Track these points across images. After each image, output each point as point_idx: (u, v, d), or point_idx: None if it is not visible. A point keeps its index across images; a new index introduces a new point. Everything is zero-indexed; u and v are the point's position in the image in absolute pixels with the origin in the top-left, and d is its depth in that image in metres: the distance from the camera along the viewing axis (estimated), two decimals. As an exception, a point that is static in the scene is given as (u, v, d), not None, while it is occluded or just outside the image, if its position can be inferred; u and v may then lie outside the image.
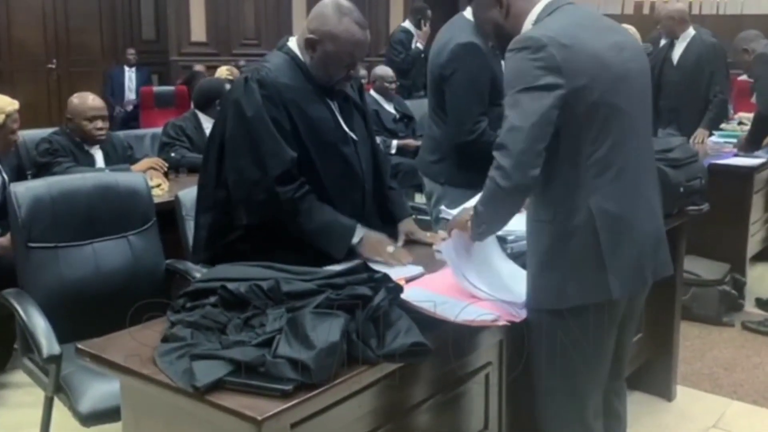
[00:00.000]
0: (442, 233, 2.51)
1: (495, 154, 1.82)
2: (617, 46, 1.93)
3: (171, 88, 8.43)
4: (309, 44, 2.31)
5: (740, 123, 5.61)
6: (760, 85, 4.70)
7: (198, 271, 2.54)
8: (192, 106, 4.86)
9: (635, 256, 1.93)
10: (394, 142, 5.84)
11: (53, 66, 9.33)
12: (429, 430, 1.88)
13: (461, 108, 3.06)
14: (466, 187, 2.71)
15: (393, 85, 6.18)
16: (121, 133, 4.81)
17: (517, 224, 2.02)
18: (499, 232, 2.12)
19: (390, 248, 2.34)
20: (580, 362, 1.95)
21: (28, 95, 7.47)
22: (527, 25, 1.96)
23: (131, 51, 9.10)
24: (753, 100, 5.02)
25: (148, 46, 9.81)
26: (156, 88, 8.61)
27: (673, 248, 2.26)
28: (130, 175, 3.13)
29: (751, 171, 4.51)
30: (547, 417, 2.05)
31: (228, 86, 4.23)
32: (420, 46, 7.45)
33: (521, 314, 1.96)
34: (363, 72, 6.78)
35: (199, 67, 8.48)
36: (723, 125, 5.44)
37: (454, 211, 2.25)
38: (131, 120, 8.48)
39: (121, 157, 4.10)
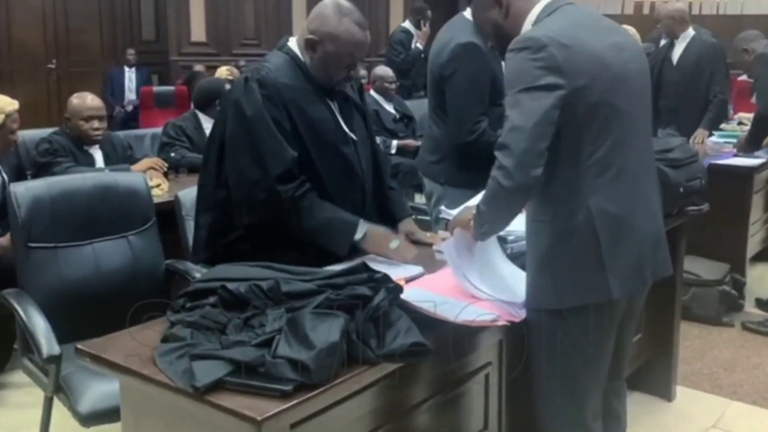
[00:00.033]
0: (442, 233, 2.51)
1: (497, 154, 1.82)
2: (617, 47, 1.93)
3: (171, 88, 8.43)
4: (309, 45, 2.31)
5: (740, 123, 5.61)
6: (760, 86, 4.70)
7: (198, 271, 2.54)
8: (192, 106, 4.86)
9: (635, 256, 1.93)
10: (394, 142, 5.84)
11: (53, 66, 9.33)
12: (429, 430, 1.88)
13: (461, 108, 3.06)
14: (466, 187, 2.71)
15: (393, 86, 6.18)
16: (121, 133, 4.81)
17: (517, 224, 2.02)
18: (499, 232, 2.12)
19: (394, 243, 2.34)
20: (579, 362, 1.95)
21: (27, 95, 7.47)
22: (527, 25, 1.96)
23: (131, 51, 9.10)
24: (753, 100, 5.03)
25: (148, 46, 9.81)
26: (156, 88, 8.61)
27: (672, 248, 2.26)
28: (129, 175, 3.13)
29: (750, 171, 4.51)
30: (546, 417, 2.05)
31: (228, 86, 4.23)
32: (420, 46, 7.45)
33: (521, 314, 1.96)
34: (363, 72, 6.78)
35: (199, 67, 8.48)
36: (723, 125, 5.44)
37: (454, 212, 2.25)
38: (131, 120, 8.48)
39: (120, 157, 4.10)
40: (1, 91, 3.66)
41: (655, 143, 2.32)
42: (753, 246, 4.72)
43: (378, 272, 1.75)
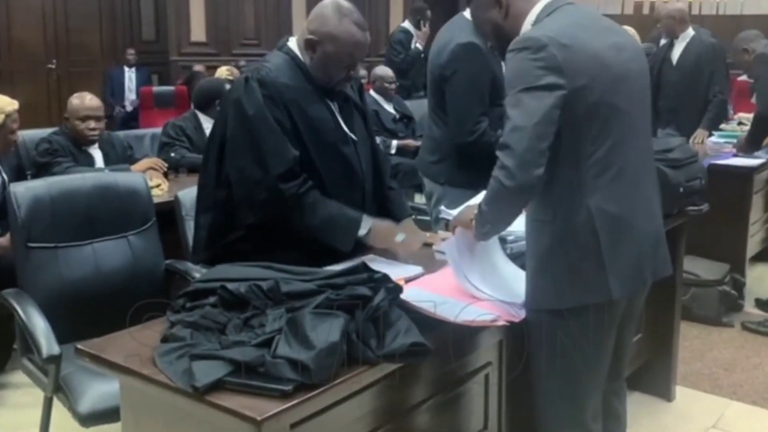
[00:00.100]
0: (442, 233, 2.51)
1: (498, 153, 1.82)
2: (617, 47, 1.93)
3: (171, 88, 8.43)
4: (309, 45, 2.31)
5: (740, 123, 5.61)
6: (760, 86, 4.70)
7: (198, 272, 2.54)
8: (192, 106, 4.85)
9: (635, 256, 1.93)
10: (394, 143, 5.84)
11: (53, 66, 9.33)
12: (429, 430, 1.88)
13: (462, 108, 3.06)
14: (466, 187, 2.71)
15: (393, 86, 6.18)
16: (121, 133, 4.81)
17: (517, 224, 2.02)
18: (499, 233, 2.12)
19: (400, 236, 2.35)
20: (579, 362, 1.95)
21: (27, 95, 7.48)
22: (526, 25, 1.96)
23: (131, 51, 9.10)
24: (753, 100, 5.02)
25: (147, 46, 9.81)
26: (156, 88, 8.61)
27: (672, 248, 2.25)
28: (129, 175, 3.13)
29: (750, 171, 4.51)
30: (546, 417, 2.05)
31: (228, 86, 4.23)
32: (419, 46, 7.45)
33: (521, 314, 1.96)
34: (363, 72, 6.78)
35: (198, 68, 8.47)
36: (723, 125, 5.44)
37: (454, 212, 2.25)
38: (131, 120, 8.48)
39: (120, 157, 4.10)
40: (1, 91, 3.66)
41: (655, 143, 2.32)
42: (753, 246, 4.72)
43: (378, 272, 1.75)
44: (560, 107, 1.80)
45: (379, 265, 2.01)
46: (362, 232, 2.31)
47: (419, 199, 5.33)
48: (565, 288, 1.90)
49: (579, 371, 1.97)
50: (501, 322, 1.90)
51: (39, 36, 9.22)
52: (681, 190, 2.93)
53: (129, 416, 1.75)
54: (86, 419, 2.29)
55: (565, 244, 1.89)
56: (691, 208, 3.06)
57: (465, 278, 2.01)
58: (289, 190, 2.25)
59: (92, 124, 3.94)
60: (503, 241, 2.22)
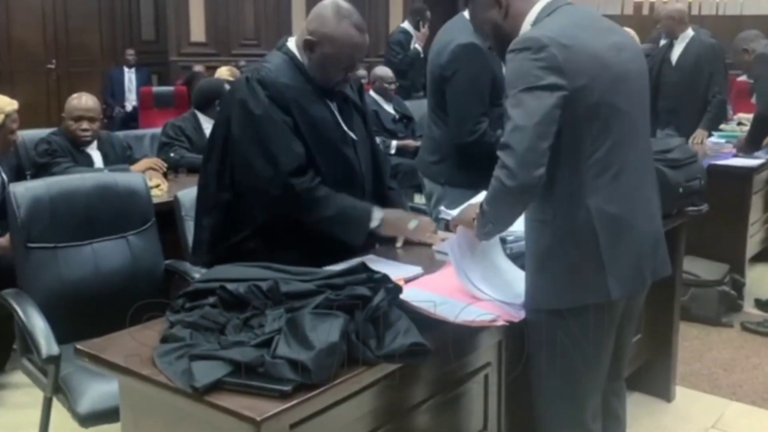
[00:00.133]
0: (441, 234, 2.51)
1: (499, 153, 1.82)
2: (616, 47, 1.93)
3: (170, 88, 8.42)
4: (307, 45, 2.31)
5: (739, 123, 5.60)
6: (760, 86, 4.70)
7: (197, 272, 2.54)
8: (191, 106, 4.85)
9: (634, 256, 1.93)
10: (394, 143, 5.84)
11: (52, 66, 9.33)
12: (428, 431, 1.88)
13: (462, 108, 3.06)
14: (466, 187, 2.71)
15: (392, 86, 6.18)
16: (121, 134, 4.80)
17: (517, 224, 2.02)
18: (498, 233, 2.12)
19: (413, 223, 2.37)
20: (579, 363, 1.95)
21: (27, 95, 7.47)
22: (526, 25, 1.96)
23: (130, 52, 9.10)
24: (753, 100, 5.02)
25: (147, 46, 9.81)
26: (155, 89, 8.60)
27: (672, 249, 2.26)
28: (129, 176, 3.13)
29: (750, 172, 4.51)
30: (546, 417, 2.05)
31: (227, 87, 4.23)
32: (418, 47, 7.45)
33: (521, 315, 1.96)
34: (363, 72, 6.78)
35: (198, 68, 8.47)
36: (722, 126, 5.44)
37: (454, 212, 2.25)
38: (131, 120, 8.48)
39: (120, 157, 4.09)
40: (1, 91, 3.66)
41: (655, 144, 2.33)
42: (752, 246, 4.72)
43: (377, 272, 1.75)
44: (561, 107, 1.80)
45: (378, 265, 2.01)
46: (374, 223, 2.33)
47: (419, 200, 5.32)
48: (565, 288, 1.90)
49: (579, 371, 1.97)
50: (500, 323, 1.90)
51: (39, 36, 9.22)
52: (680, 190, 2.93)
53: (128, 416, 1.75)
54: (86, 419, 2.29)
55: (565, 245, 1.89)
56: (690, 208, 3.06)
57: (466, 277, 2.01)
58: (301, 185, 2.26)
59: (85, 124, 3.92)
60: (503, 241, 2.22)
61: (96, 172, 3.63)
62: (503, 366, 2.09)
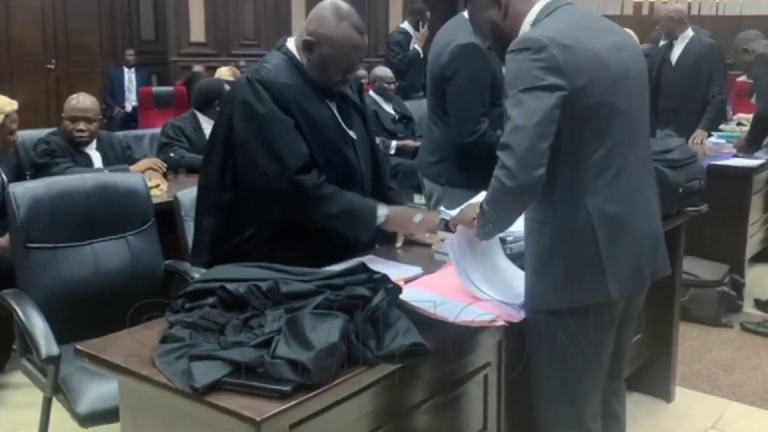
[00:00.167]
0: (441, 234, 2.51)
1: (499, 153, 1.82)
2: (616, 47, 1.93)
3: (170, 88, 8.43)
4: (306, 46, 2.31)
5: (739, 124, 5.60)
6: (760, 86, 4.70)
7: (197, 272, 2.54)
8: (191, 106, 4.85)
9: (634, 256, 1.93)
10: (393, 143, 5.84)
11: (52, 66, 9.34)
12: (428, 431, 1.88)
13: (462, 109, 3.06)
14: (467, 187, 2.71)
15: (392, 86, 6.18)
16: (120, 134, 4.80)
17: (517, 225, 2.02)
18: (498, 233, 2.12)
19: (418, 216, 2.40)
20: (579, 363, 1.95)
21: (27, 95, 7.47)
22: (525, 25, 1.96)
23: (130, 52, 9.10)
24: (753, 100, 5.03)
25: (147, 46, 9.82)
26: (155, 89, 8.61)
27: (672, 249, 2.26)
28: (128, 176, 3.13)
29: (749, 172, 4.51)
30: (546, 418, 2.05)
31: (227, 87, 4.23)
32: (418, 47, 7.45)
33: (520, 315, 1.96)
34: (363, 72, 6.78)
35: (198, 68, 8.48)
36: (722, 126, 5.44)
37: (454, 212, 2.25)
38: (130, 120, 8.48)
39: (119, 157, 4.09)
40: (1, 91, 3.66)
41: (655, 144, 2.33)
42: (752, 247, 4.72)
43: (377, 273, 1.75)
44: (560, 107, 1.80)
45: (378, 265, 2.01)
46: (380, 220, 2.35)
47: (419, 200, 5.32)
48: (565, 288, 1.90)
49: (579, 371, 1.97)
50: (500, 323, 1.90)
51: (38, 36, 9.23)
52: (680, 190, 2.93)
53: (128, 417, 1.75)
54: (85, 420, 2.29)
55: (565, 245, 1.89)
56: (690, 208, 3.06)
57: (466, 276, 2.01)
58: (308, 181, 2.27)
59: (81, 125, 3.91)
60: (503, 241, 2.22)
61: (96, 173, 3.63)
62: (503, 366, 2.10)
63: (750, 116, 5.04)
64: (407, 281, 2.09)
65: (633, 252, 1.93)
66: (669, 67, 5.38)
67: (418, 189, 4.52)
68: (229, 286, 1.69)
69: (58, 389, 2.37)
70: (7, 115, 3.40)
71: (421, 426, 1.86)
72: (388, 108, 6.10)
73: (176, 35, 9.41)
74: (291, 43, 2.41)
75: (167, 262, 2.87)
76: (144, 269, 2.81)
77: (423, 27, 7.51)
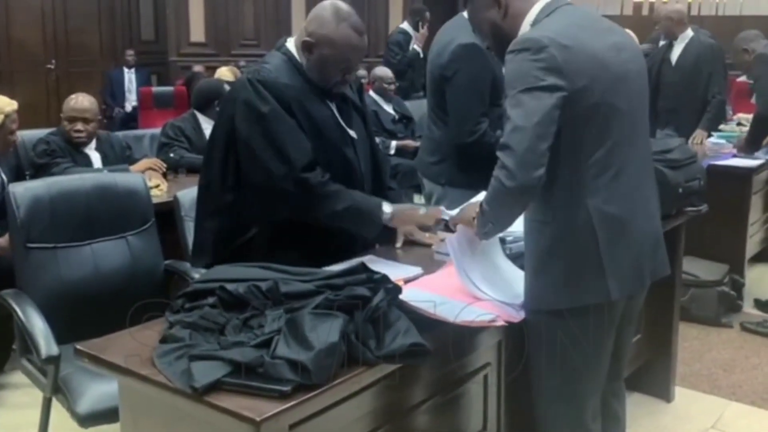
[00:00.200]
0: (441, 234, 2.51)
1: (499, 154, 1.82)
2: (616, 47, 1.93)
3: (170, 88, 8.43)
4: (306, 47, 2.32)
5: (739, 124, 5.61)
6: (760, 86, 4.70)
7: (197, 272, 2.54)
8: (191, 106, 4.85)
9: (634, 256, 1.93)
10: (393, 143, 5.84)
11: (52, 66, 9.34)
12: (428, 431, 1.88)
13: (462, 109, 3.05)
14: (467, 187, 2.70)
15: (392, 86, 6.18)
16: (120, 134, 4.80)
17: (517, 225, 2.02)
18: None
19: (422, 210, 2.45)
20: (579, 363, 1.95)
21: (27, 95, 7.48)
22: (525, 26, 1.96)
23: (130, 52, 9.10)
24: (753, 100, 5.02)
25: (147, 46, 9.82)
26: (155, 89, 8.61)
27: (671, 249, 2.26)
28: (128, 176, 3.13)
29: (749, 172, 4.51)
30: (546, 418, 2.05)
31: (227, 87, 4.23)
32: (417, 48, 7.45)
33: (520, 315, 1.96)
34: (363, 72, 6.78)
35: (198, 68, 8.48)
36: (722, 126, 5.44)
37: (454, 212, 2.25)
38: (130, 121, 8.48)
39: (119, 157, 4.09)
40: (1, 91, 3.66)
41: (654, 144, 2.32)
42: (752, 247, 4.72)
43: (377, 273, 1.75)
44: (560, 108, 1.80)
45: (378, 265, 2.01)
46: (386, 216, 2.37)
47: (418, 200, 5.31)
48: (565, 288, 1.90)
49: (579, 371, 1.97)
50: (500, 323, 1.90)
51: (38, 36, 9.23)
52: (680, 190, 2.93)
53: (128, 417, 1.75)
54: (85, 420, 2.29)
55: (565, 245, 1.89)
56: (690, 208, 3.06)
57: (466, 275, 2.01)
58: (314, 178, 2.28)
59: (79, 125, 3.91)
60: (503, 241, 2.22)
61: (96, 173, 3.63)
62: (503, 366, 2.10)
63: (750, 116, 5.04)
64: (407, 281, 2.09)
65: (633, 252, 1.93)
66: (669, 67, 5.38)
67: (418, 189, 4.52)
68: (229, 286, 1.69)
69: (57, 389, 2.37)
70: (7, 115, 3.40)
71: (421, 426, 1.86)
72: (388, 108, 6.10)
73: (176, 35, 9.41)
74: (291, 44, 2.41)
75: (167, 262, 2.87)
76: (144, 269, 2.81)
77: (422, 27, 7.51)
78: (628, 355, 2.30)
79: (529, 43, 1.83)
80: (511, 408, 2.13)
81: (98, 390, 2.29)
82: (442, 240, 2.38)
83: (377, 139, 2.95)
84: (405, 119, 6.14)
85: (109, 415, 2.20)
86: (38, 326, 2.36)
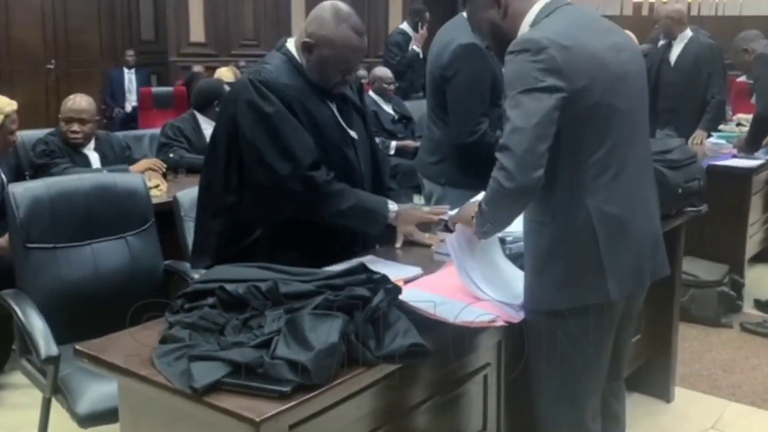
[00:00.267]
0: (441, 234, 2.51)
1: (498, 155, 1.82)
2: (616, 47, 1.92)
3: (170, 88, 8.43)
4: (306, 47, 2.32)
5: (739, 124, 5.61)
6: (760, 86, 4.70)
7: (197, 273, 2.54)
8: (191, 107, 4.85)
9: (634, 256, 1.93)
10: (393, 143, 5.84)
11: (52, 66, 9.34)
12: (428, 431, 1.88)
13: (463, 109, 3.06)
14: (467, 188, 2.70)
15: (392, 87, 6.18)
16: (120, 134, 4.80)
17: (516, 225, 2.02)
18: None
19: (426, 207, 2.47)
20: (579, 363, 1.95)
21: (26, 95, 7.48)
22: (524, 26, 1.95)
23: (130, 53, 9.10)
24: (753, 100, 5.02)
25: (147, 46, 9.82)
26: (155, 89, 8.61)
27: (671, 249, 2.26)
28: (128, 176, 3.13)
29: (749, 172, 4.51)
30: (546, 418, 2.05)
31: (226, 87, 4.23)
32: (417, 48, 7.44)
33: (520, 315, 1.96)
34: (363, 72, 6.78)
35: (198, 68, 8.48)
36: (721, 126, 5.44)
37: (454, 212, 2.25)
38: (130, 121, 8.48)
39: (118, 157, 4.09)
40: (1, 91, 3.66)
41: (654, 144, 2.32)
42: (751, 247, 4.72)
43: (377, 273, 1.75)
44: (560, 109, 1.80)
45: (378, 265, 2.01)
46: (391, 215, 2.39)
47: (418, 200, 5.31)
48: (565, 289, 1.90)
49: (579, 372, 1.97)
50: (500, 323, 1.90)
51: (38, 36, 9.23)
52: (680, 190, 2.93)
53: (127, 417, 1.75)
54: (85, 420, 2.29)
55: (564, 245, 1.89)
56: (689, 209, 3.06)
57: (466, 275, 2.01)
58: (320, 177, 2.29)
59: (75, 126, 3.89)
60: (502, 241, 2.22)
61: (95, 173, 3.63)
62: (503, 366, 2.10)
63: (749, 116, 5.04)
64: (407, 281, 2.09)
65: (633, 252, 1.93)
66: (668, 68, 5.38)
67: (418, 189, 4.52)
68: (229, 286, 1.69)
69: (57, 390, 2.37)
70: (6, 116, 3.40)
71: (421, 426, 1.86)
72: (388, 108, 6.10)
73: (176, 35, 9.41)
74: (291, 44, 2.41)
75: (167, 262, 2.87)
76: (144, 269, 2.80)
77: (422, 28, 7.51)
78: (628, 356, 2.30)
79: (529, 44, 1.83)
80: (511, 408, 2.13)
81: (98, 390, 2.29)
82: (442, 240, 2.38)
83: (377, 140, 2.95)
84: (405, 119, 6.14)
85: (109, 415, 2.20)
86: (38, 326, 2.36)
